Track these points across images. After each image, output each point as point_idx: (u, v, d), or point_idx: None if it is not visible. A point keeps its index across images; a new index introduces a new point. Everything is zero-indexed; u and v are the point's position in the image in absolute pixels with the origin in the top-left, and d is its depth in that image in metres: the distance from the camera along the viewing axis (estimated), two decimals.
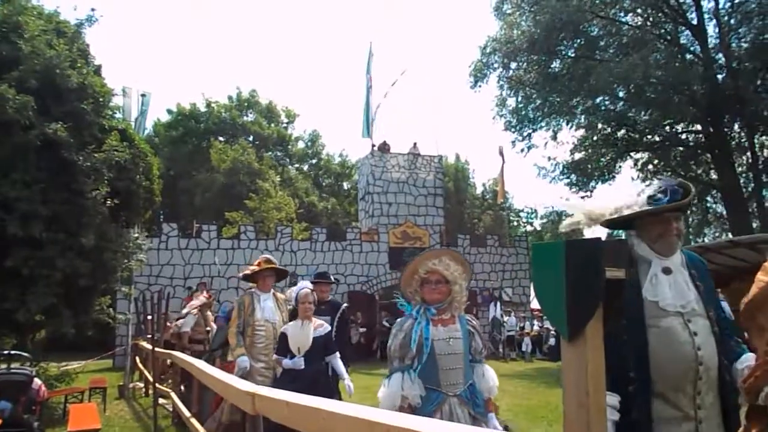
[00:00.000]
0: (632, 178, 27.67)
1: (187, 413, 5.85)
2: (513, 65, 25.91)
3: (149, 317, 11.23)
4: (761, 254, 4.32)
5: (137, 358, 13.86)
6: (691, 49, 23.69)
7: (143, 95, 21.30)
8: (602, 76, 20.97)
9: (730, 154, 23.47)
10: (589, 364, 1.59)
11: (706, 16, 23.05)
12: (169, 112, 40.60)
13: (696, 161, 26.56)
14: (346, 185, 45.26)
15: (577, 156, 26.24)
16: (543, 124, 26.33)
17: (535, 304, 24.84)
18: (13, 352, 8.64)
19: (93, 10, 11.54)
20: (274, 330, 5.85)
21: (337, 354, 5.55)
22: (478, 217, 43.28)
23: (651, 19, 24.21)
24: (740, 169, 25.04)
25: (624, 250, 1.75)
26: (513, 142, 26.97)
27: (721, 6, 23.02)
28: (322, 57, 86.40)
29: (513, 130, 26.77)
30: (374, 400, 4.65)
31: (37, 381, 8.04)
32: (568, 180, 26.60)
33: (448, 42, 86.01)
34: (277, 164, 40.65)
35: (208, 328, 9.87)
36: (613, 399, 2.27)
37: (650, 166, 27.28)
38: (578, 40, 24.55)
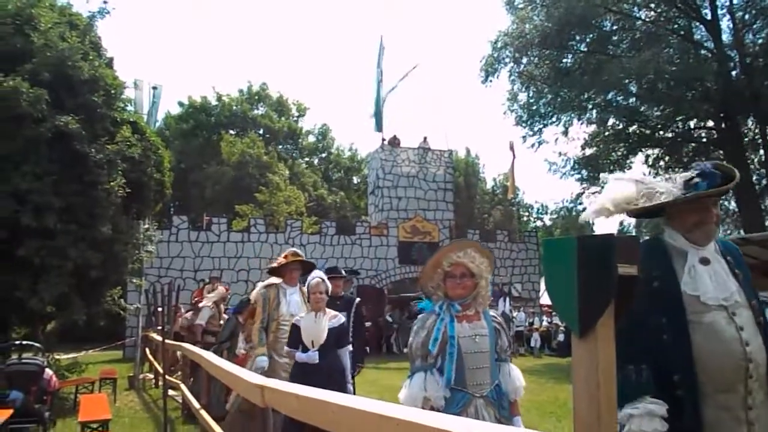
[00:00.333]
0: (643, 174, 27.43)
1: (196, 405, 5.88)
2: (524, 60, 25.79)
3: (159, 309, 11.29)
4: None
5: (147, 350, 13.96)
6: (705, 44, 23.49)
7: (154, 88, 21.36)
8: (614, 72, 20.84)
9: (743, 150, 23.29)
10: (600, 360, 1.58)
11: (719, 11, 22.85)
12: (180, 104, 40.80)
13: (708, 157, 26.32)
14: (355, 179, 45.29)
15: (589, 151, 26.12)
16: (554, 119, 26.22)
17: (544, 300, 24.79)
18: (24, 342, 8.73)
19: (105, 2, 11.57)
20: None
21: (348, 348, 5.35)
22: (488, 212, 43.20)
23: (664, 14, 24.01)
24: (753, 165, 24.85)
25: (636, 246, 1.73)
26: (524, 137, 26.88)
27: (735, 1, 22.81)
28: (332, 51, 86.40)
29: (524, 125, 26.68)
30: (381, 394, 4.68)
31: (48, 371, 8.11)
32: (579, 175, 26.52)
33: (459, 36, 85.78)
34: (288, 158, 40.74)
35: (222, 321, 9.89)
36: (659, 408, 2.14)
37: (662, 162, 27.11)
38: (591, 35, 24.40)
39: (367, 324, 20.87)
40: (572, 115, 25.81)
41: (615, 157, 26.04)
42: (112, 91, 10.60)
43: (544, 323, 23.22)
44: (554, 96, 25.17)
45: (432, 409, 2.99)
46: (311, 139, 46.00)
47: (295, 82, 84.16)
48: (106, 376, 11.21)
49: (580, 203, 27.65)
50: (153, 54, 77.35)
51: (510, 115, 27.03)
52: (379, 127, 25.12)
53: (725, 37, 23.03)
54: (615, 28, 24.49)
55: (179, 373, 9.62)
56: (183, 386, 7.68)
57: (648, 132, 25.40)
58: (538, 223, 46.37)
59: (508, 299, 22.14)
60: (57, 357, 12.18)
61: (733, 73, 22.25)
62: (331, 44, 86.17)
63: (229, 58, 79.90)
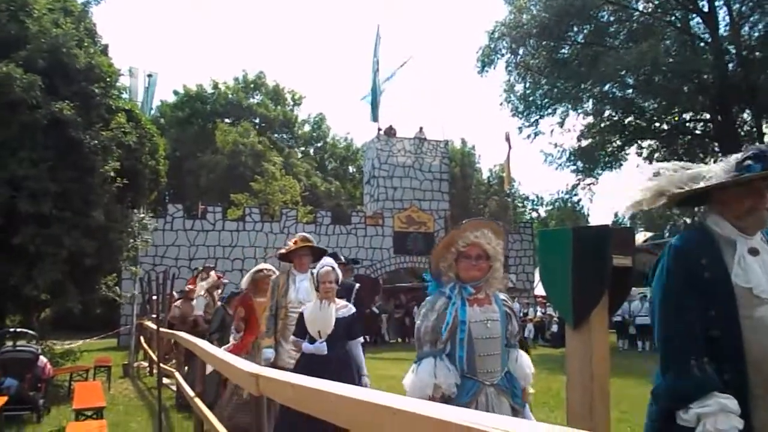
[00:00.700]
0: (638, 166, 27.53)
1: (191, 393, 5.88)
2: (521, 51, 25.73)
3: (154, 297, 11.28)
4: None
5: (142, 338, 13.95)
6: (702, 36, 23.46)
7: (150, 75, 21.27)
8: (611, 63, 20.82)
9: (739, 143, 23.31)
10: (594, 351, 1.59)
11: (717, 3, 22.80)
12: (176, 93, 40.60)
13: (704, 150, 26.40)
14: (351, 169, 45.23)
15: (584, 143, 26.13)
16: (550, 110, 26.21)
17: (538, 291, 24.87)
18: (19, 329, 8.72)
19: None
20: None
21: (360, 339, 5.14)
22: (483, 202, 43.23)
23: (661, 6, 23.97)
24: None
25: (632, 238, 1.73)
26: (520, 128, 26.88)
27: None
28: (329, 40, 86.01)
29: (520, 116, 26.66)
30: (378, 384, 4.68)
31: (42, 359, 8.11)
32: (575, 167, 26.53)
33: (456, 26, 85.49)
34: (284, 147, 40.66)
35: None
36: (732, 402, 1.97)
37: (657, 154, 27.14)
38: (588, 26, 24.35)
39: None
40: (568, 106, 25.80)
41: (611, 149, 26.06)
42: (107, 79, 10.54)
43: (538, 314, 23.31)
44: (551, 87, 25.15)
45: (442, 397, 2.86)
46: (307, 128, 45.89)
47: (291, 71, 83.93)
48: (100, 364, 11.22)
49: (576, 194, 27.71)
50: (148, 42, 76.94)
51: (506, 106, 27.00)
52: (375, 116, 25.06)
53: (722, 29, 23.00)
54: (612, 19, 24.44)
55: (174, 361, 9.63)
56: (177, 374, 7.68)
57: (644, 124, 25.42)
58: (534, 214, 46.46)
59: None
60: (52, 344, 12.18)
61: (730, 65, 22.25)
62: (328, 33, 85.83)
63: (224, 46, 79.57)
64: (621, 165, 26.75)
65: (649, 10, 24.03)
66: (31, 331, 8.80)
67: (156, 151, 11.77)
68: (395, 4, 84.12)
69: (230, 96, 41.11)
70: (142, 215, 12.94)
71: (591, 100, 25.10)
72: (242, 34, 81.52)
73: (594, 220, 44.73)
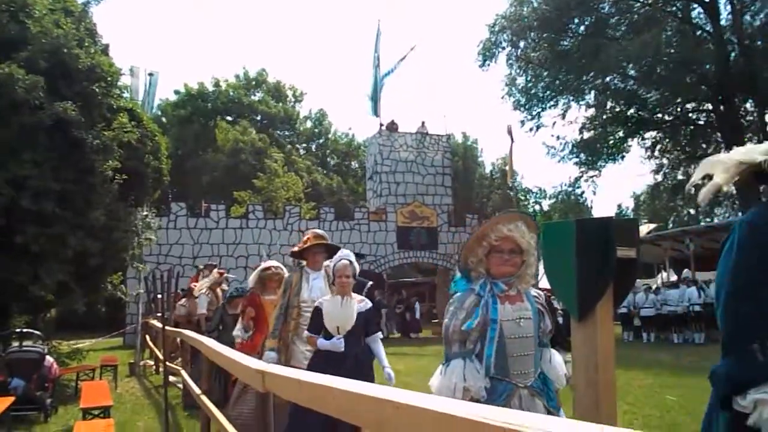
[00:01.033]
0: (641, 157, 27.52)
1: (197, 390, 5.90)
2: (522, 43, 25.69)
3: (159, 296, 11.31)
4: None
5: (147, 337, 13.99)
6: (703, 27, 23.38)
7: (151, 75, 21.27)
8: (613, 54, 20.78)
9: (742, 133, 23.25)
10: (599, 343, 1.59)
11: None
12: (177, 93, 40.59)
13: (706, 140, 26.34)
14: (353, 164, 45.21)
15: (587, 135, 26.08)
16: (552, 102, 26.17)
17: (543, 284, 24.77)
18: (25, 330, 8.74)
19: None
20: None
21: (379, 334, 4.94)
22: (486, 196, 43.18)
23: None
24: None
25: (636, 229, 1.71)
26: (522, 121, 26.85)
27: None
28: (329, 36, 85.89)
29: (522, 109, 26.63)
30: (381, 380, 4.67)
31: (49, 358, 8.14)
32: (578, 159, 26.48)
33: (457, 20, 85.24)
34: (286, 143, 40.67)
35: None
36: None
37: (660, 146, 27.08)
38: (589, 18, 24.28)
39: None
40: (570, 98, 25.75)
41: (613, 141, 26.01)
42: (109, 79, 10.54)
43: None
44: (552, 79, 25.10)
45: (471, 400, 2.63)
46: (308, 124, 45.88)
47: (291, 67, 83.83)
48: (106, 363, 11.25)
49: (579, 187, 27.66)
50: (149, 41, 76.90)
51: (508, 99, 26.97)
52: (376, 112, 25.04)
53: (724, 19, 22.91)
54: (613, 11, 24.37)
55: (179, 359, 9.65)
56: (183, 372, 7.71)
57: (646, 115, 25.36)
58: (537, 207, 46.38)
59: None
60: (58, 344, 12.22)
61: (732, 55, 22.17)
62: (328, 29, 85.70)
63: (225, 44, 79.50)
64: (624, 156, 26.73)
65: (650, 1, 23.96)
66: (37, 332, 8.83)
67: (158, 150, 11.78)
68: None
69: (231, 94, 41.10)
70: (146, 213, 12.96)
71: (593, 92, 25.05)
72: (243, 31, 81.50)
73: (597, 212, 44.66)
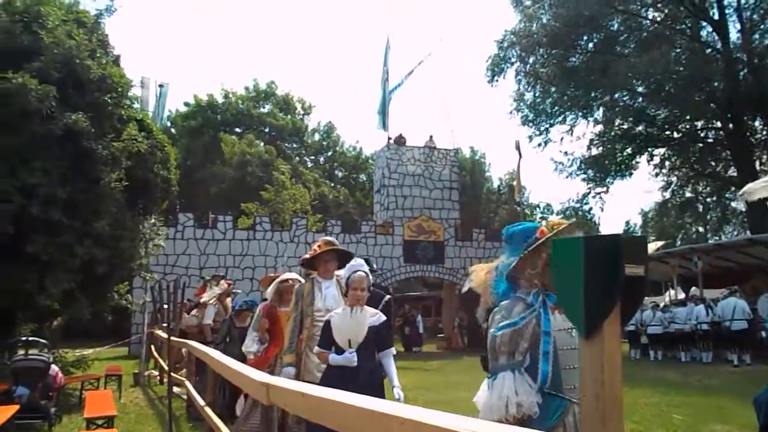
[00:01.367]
0: (649, 174, 27.47)
1: (201, 402, 5.88)
2: (531, 59, 25.77)
3: (165, 306, 11.32)
4: None
5: (152, 347, 13.98)
6: (712, 45, 23.40)
7: (161, 86, 21.47)
8: (622, 71, 20.79)
9: (751, 151, 23.19)
10: (606, 361, 1.58)
11: (727, 11, 22.76)
12: (187, 104, 40.87)
13: (715, 158, 26.28)
14: (362, 177, 45.31)
15: (595, 151, 26.08)
16: (560, 118, 26.21)
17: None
18: (30, 338, 8.76)
19: (112, 0, 11.60)
20: None
21: (392, 350, 4.65)
22: (494, 211, 43.17)
23: (672, 14, 23.95)
24: (760, 165, 24.75)
25: (644, 246, 1.70)
26: (530, 136, 26.91)
27: (743, 1, 22.72)
28: (338, 49, 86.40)
29: (530, 124, 26.67)
30: (388, 394, 4.62)
31: (54, 367, 8.14)
32: (585, 175, 26.46)
33: (466, 34, 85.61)
34: (294, 156, 40.82)
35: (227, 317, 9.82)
36: None
37: (669, 163, 27.01)
38: (598, 35, 24.36)
39: None
40: (578, 114, 25.78)
41: (621, 157, 25.99)
42: (119, 89, 10.63)
43: None
44: (561, 95, 25.15)
45: (523, 417, 2.47)
46: (316, 137, 46.06)
47: (300, 80, 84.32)
48: (111, 373, 11.25)
49: (586, 203, 27.61)
50: (160, 52, 77.55)
51: (516, 115, 27.03)
52: (384, 125, 25.11)
53: (733, 37, 22.94)
54: (622, 28, 24.44)
55: (184, 370, 9.64)
56: (188, 383, 7.69)
57: (655, 132, 25.34)
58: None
59: None
60: (63, 353, 12.23)
61: (741, 73, 22.16)
62: (338, 42, 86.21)
63: (235, 56, 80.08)
64: (632, 173, 26.68)
65: (660, 18, 24.02)
66: (43, 340, 8.84)
67: (167, 161, 11.84)
68: (405, 13, 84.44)
69: (240, 106, 41.35)
70: (154, 221, 13.00)
71: (601, 109, 25.07)
72: (253, 43, 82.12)
73: (605, 229, 44.50)
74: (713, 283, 18.48)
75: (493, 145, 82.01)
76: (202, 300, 10.39)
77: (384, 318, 4.57)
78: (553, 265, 1.87)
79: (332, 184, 41.03)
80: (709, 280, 18.28)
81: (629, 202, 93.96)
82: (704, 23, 23.65)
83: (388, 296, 5.89)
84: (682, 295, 19.43)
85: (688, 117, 23.92)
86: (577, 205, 28.53)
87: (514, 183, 29.72)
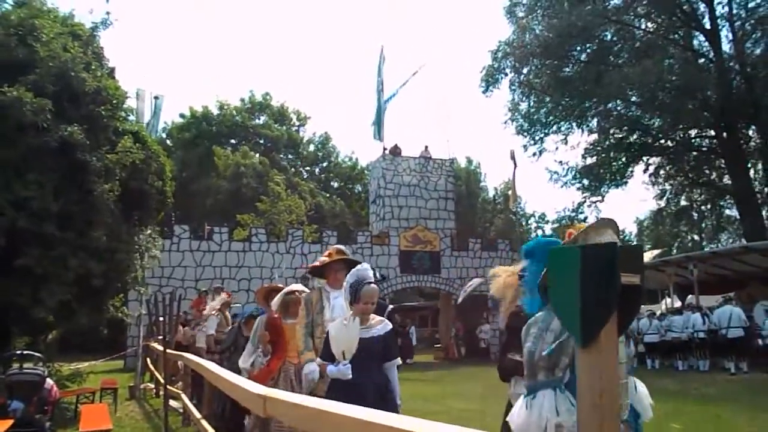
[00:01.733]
0: (644, 182, 27.58)
1: (197, 415, 5.85)
2: (525, 69, 25.89)
3: (161, 318, 11.27)
4: None
5: (148, 360, 13.91)
6: (705, 54, 23.56)
7: (156, 98, 21.45)
8: (615, 81, 20.90)
9: (744, 159, 23.30)
10: (603, 369, 1.58)
11: (719, 21, 22.93)
12: (182, 116, 40.87)
13: (709, 166, 26.40)
14: (358, 188, 45.33)
15: (589, 161, 26.17)
16: (555, 127, 26.30)
17: None
18: (25, 351, 8.70)
19: (108, 13, 11.59)
20: None
21: (397, 362, 4.40)
22: (489, 221, 43.22)
23: (664, 24, 24.12)
24: (754, 174, 24.87)
25: (640, 255, 1.70)
26: (525, 146, 26.98)
27: (734, 11, 22.90)
28: (333, 60, 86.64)
29: (525, 134, 26.75)
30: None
31: (49, 381, 8.07)
32: (580, 184, 26.53)
33: (460, 45, 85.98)
34: (289, 167, 40.84)
35: (229, 328, 9.73)
36: None
37: (663, 171, 27.11)
38: (591, 46, 24.50)
39: None
40: (573, 123, 25.88)
41: (616, 166, 26.08)
42: (114, 101, 10.62)
43: None
44: (555, 105, 25.25)
45: None
46: (311, 148, 46.11)
47: (295, 91, 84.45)
48: (106, 386, 11.17)
49: (582, 212, 27.67)
50: (155, 64, 77.64)
51: (511, 125, 27.11)
52: (379, 136, 25.16)
53: (726, 46, 23.11)
54: (615, 38, 24.59)
55: (180, 383, 9.59)
56: (184, 396, 7.66)
57: (649, 141, 25.46)
58: (540, 232, 46.32)
59: None
60: (58, 366, 12.15)
61: (734, 82, 22.30)
62: (332, 53, 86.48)
63: (230, 68, 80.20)
64: (626, 182, 26.77)
65: (652, 29, 24.18)
66: (38, 354, 8.78)
67: (163, 172, 11.80)
68: (400, 23, 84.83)
69: (236, 117, 41.38)
70: (149, 231, 12.96)
71: (595, 118, 25.17)
72: (248, 55, 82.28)
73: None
74: (709, 290, 18.51)
75: (488, 155, 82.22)
76: (204, 314, 10.34)
77: (390, 326, 4.38)
78: (549, 275, 1.87)
79: (328, 195, 41.04)
80: (705, 287, 18.31)
81: (624, 210, 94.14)
82: (697, 33, 23.82)
83: (391, 306, 5.82)
84: (678, 304, 19.44)
85: (682, 126, 24.03)
86: (573, 214, 28.59)
87: (510, 192, 29.79)
